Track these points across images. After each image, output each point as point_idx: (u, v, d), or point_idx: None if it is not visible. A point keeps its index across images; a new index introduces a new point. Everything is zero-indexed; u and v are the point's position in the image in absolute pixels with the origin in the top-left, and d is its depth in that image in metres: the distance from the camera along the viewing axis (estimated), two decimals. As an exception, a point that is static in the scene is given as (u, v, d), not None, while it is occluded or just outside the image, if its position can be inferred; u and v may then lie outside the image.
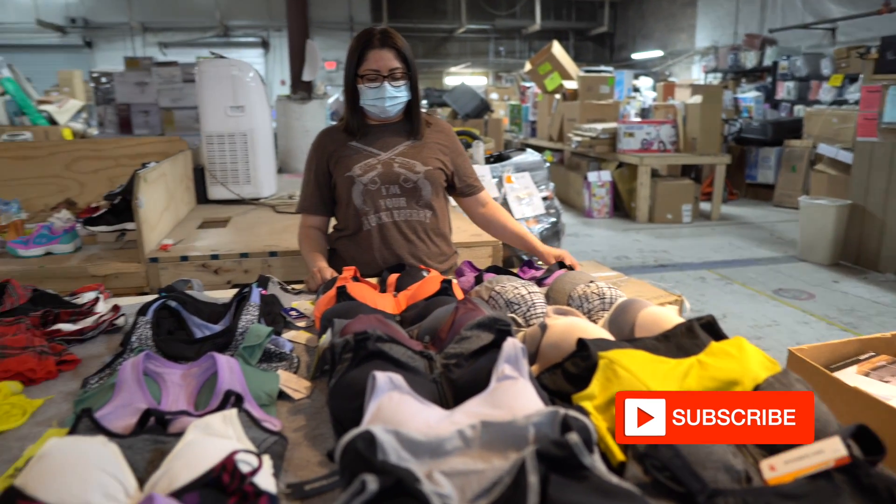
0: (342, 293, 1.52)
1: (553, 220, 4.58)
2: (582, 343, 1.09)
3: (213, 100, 3.45)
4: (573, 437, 0.74)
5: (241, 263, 2.51)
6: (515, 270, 1.94)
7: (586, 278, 1.57)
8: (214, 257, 2.48)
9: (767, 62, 11.82)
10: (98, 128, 7.65)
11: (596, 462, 0.80)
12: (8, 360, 1.28)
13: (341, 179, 2.07)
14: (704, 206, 8.06)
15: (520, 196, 4.29)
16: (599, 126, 8.12)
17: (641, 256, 6.03)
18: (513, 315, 1.42)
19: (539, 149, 10.33)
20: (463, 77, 18.33)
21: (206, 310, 1.56)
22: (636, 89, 12.94)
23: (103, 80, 7.17)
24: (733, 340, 1.06)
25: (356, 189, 2.05)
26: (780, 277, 5.29)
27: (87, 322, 1.54)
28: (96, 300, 1.67)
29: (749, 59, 12.46)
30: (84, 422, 1.01)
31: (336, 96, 10.31)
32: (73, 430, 0.99)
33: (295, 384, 1.22)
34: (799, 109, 9.99)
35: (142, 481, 0.87)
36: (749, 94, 10.83)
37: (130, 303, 1.75)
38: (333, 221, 2.25)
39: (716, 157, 7.62)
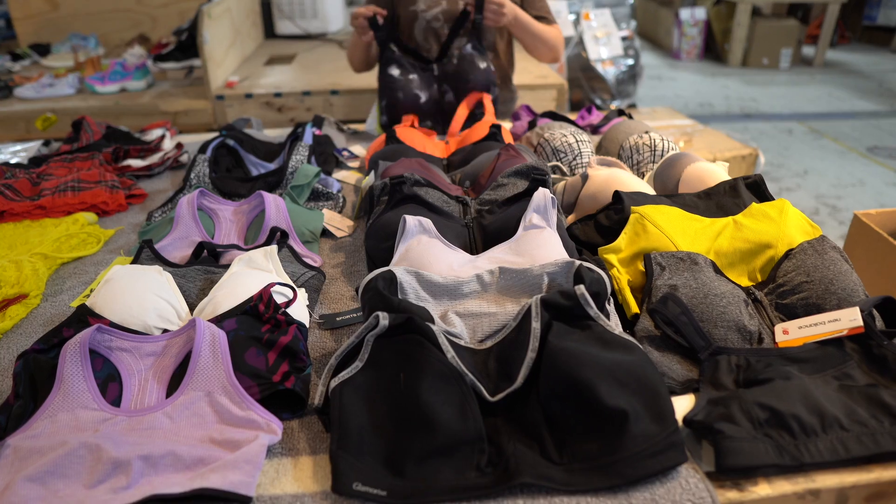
0: (391, 136, 1.53)
1: (630, 62, 4.31)
2: (617, 195, 1.08)
3: (278, -73, 3.31)
4: (580, 288, 0.76)
5: (303, 101, 2.53)
6: (573, 117, 1.89)
7: (641, 128, 1.51)
8: (277, 95, 2.51)
9: None
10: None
11: (610, 314, 0.83)
12: (84, 194, 1.39)
13: (405, 12, 2.00)
14: (808, 50, 7.33)
15: (597, 35, 4.03)
16: (698, -44, 7.34)
17: (727, 104, 5.67)
18: (557, 163, 1.40)
19: (629, -18, 9.51)
20: None
21: (263, 148, 1.62)
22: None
23: None
24: (776, 202, 1.03)
25: (418, 25, 1.99)
26: (879, 134, 4.88)
27: (154, 158, 1.63)
28: (162, 137, 1.75)
29: None
30: (145, 252, 1.11)
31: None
32: (136, 260, 1.09)
33: (338, 223, 1.27)
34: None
35: (194, 307, 0.96)
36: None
37: (193, 140, 1.82)
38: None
39: (830, -8, 6.80)
